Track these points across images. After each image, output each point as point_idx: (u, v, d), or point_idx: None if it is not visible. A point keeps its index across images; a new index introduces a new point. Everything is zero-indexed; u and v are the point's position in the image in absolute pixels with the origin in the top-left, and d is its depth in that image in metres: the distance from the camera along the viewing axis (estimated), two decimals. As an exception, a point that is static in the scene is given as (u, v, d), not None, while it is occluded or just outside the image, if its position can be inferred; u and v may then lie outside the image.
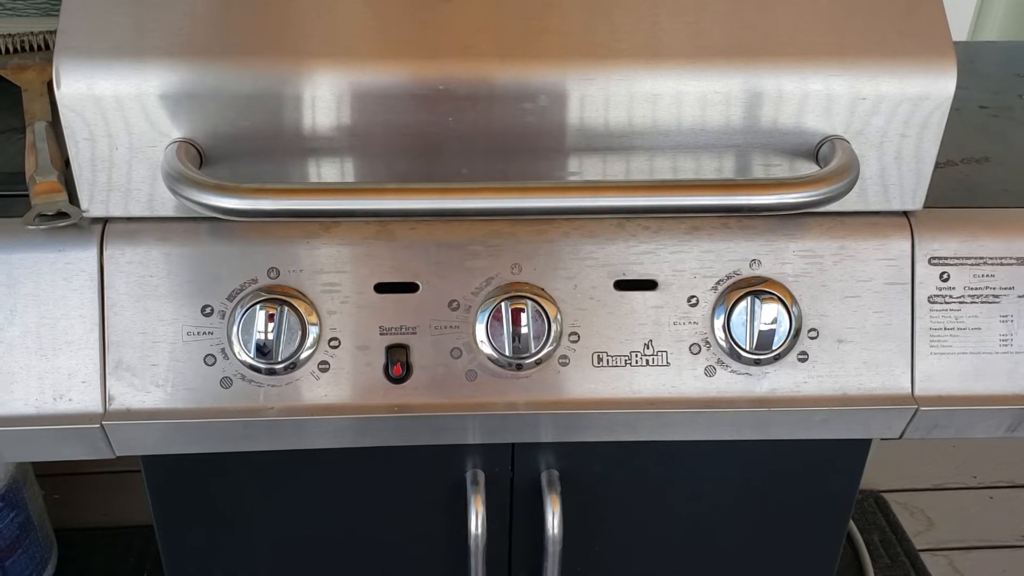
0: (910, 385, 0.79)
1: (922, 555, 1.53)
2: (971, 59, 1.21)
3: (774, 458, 0.91)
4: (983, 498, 1.68)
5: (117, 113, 0.70)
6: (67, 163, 0.75)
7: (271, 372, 0.75)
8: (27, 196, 0.76)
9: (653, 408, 0.77)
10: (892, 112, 0.74)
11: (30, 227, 0.73)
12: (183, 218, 0.75)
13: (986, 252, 0.79)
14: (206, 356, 0.75)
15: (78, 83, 0.69)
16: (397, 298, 0.76)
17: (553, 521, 0.87)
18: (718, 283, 0.78)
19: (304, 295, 0.75)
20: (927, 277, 0.79)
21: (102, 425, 0.74)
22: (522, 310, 0.75)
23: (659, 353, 0.78)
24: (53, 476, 1.56)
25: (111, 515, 1.56)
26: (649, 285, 0.77)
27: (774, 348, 0.77)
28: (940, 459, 1.76)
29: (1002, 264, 0.79)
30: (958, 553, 1.56)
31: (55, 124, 0.85)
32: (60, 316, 0.74)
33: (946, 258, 0.79)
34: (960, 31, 1.94)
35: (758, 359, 0.77)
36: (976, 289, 0.79)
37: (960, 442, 1.79)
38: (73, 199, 0.75)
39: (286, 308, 0.74)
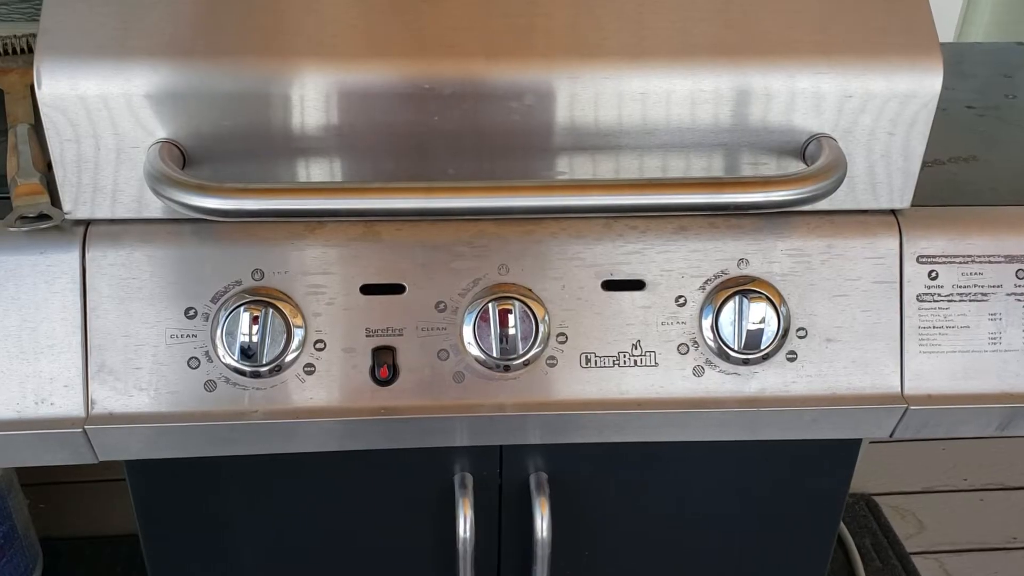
0: (899, 384, 0.79)
1: (913, 558, 1.53)
2: (958, 60, 1.22)
3: (763, 459, 0.90)
4: (974, 500, 1.68)
5: (99, 114, 0.70)
6: (49, 166, 0.74)
7: (256, 375, 0.74)
8: (8, 199, 0.75)
9: (641, 409, 0.77)
10: (879, 110, 0.73)
11: (11, 229, 0.72)
12: (166, 219, 0.75)
13: (974, 250, 0.79)
14: (190, 359, 0.74)
15: (59, 83, 0.69)
16: (383, 300, 0.75)
17: (542, 524, 0.87)
18: (706, 283, 0.77)
19: (289, 297, 0.74)
20: (915, 275, 0.78)
21: (84, 430, 0.73)
22: (509, 311, 0.74)
23: (647, 353, 0.77)
24: (38, 485, 1.54)
25: (97, 524, 1.55)
26: (637, 285, 0.77)
27: (762, 348, 0.77)
28: (931, 462, 1.76)
29: (990, 262, 0.79)
30: (949, 556, 1.56)
31: (37, 127, 0.85)
32: (42, 319, 0.73)
33: (934, 256, 0.79)
34: (946, 33, 1.95)
35: (747, 359, 0.77)
36: (965, 287, 0.79)
37: (951, 444, 1.79)
38: (55, 201, 0.74)
39: (271, 310, 0.73)
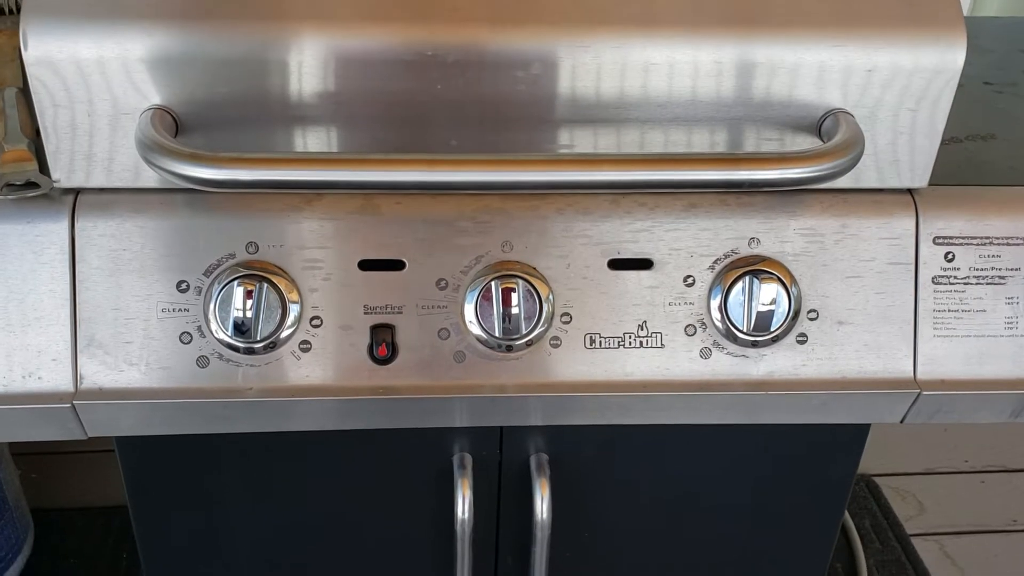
0: (912, 369, 0.77)
1: (913, 540, 1.52)
2: (974, 35, 1.18)
3: (770, 443, 0.89)
4: (974, 482, 1.68)
5: (88, 78, 0.67)
6: (38, 132, 0.72)
7: (250, 351, 0.72)
8: (-6, 165, 0.73)
9: (646, 391, 0.75)
10: (898, 85, 0.71)
11: (-3, 197, 0.70)
12: (158, 189, 0.72)
13: (992, 231, 0.77)
14: (182, 334, 0.72)
15: (47, 45, 0.66)
16: (382, 276, 0.73)
17: (542, 506, 0.85)
18: (715, 262, 0.75)
19: (284, 271, 0.72)
20: (931, 257, 0.76)
21: (73, 405, 0.71)
22: (513, 289, 0.72)
23: (653, 335, 0.75)
24: (30, 455, 1.53)
25: (90, 495, 1.54)
26: (644, 264, 0.75)
27: (772, 330, 0.75)
28: (932, 443, 1.75)
29: (1008, 244, 0.77)
30: (949, 538, 1.55)
31: (25, 91, 0.82)
32: (29, 291, 0.71)
33: (951, 237, 0.76)
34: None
35: (755, 341, 0.75)
36: (982, 270, 0.77)
37: (952, 426, 1.78)
38: (44, 169, 0.72)
39: (265, 285, 0.71)
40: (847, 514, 1.53)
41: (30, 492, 1.40)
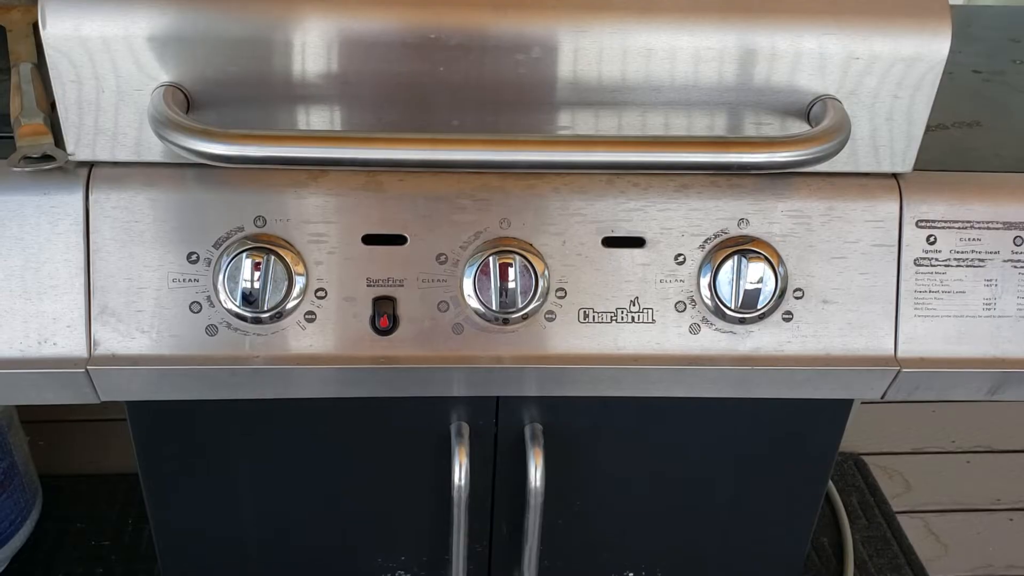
0: (893, 347, 0.79)
1: (899, 517, 1.55)
2: (966, 23, 1.20)
3: (756, 416, 0.91)
4: (960, 462, 1.71)
5: (103, 55, 0.69)
6: (53, 106, 0.74)
7: (257, 321, 0.75)
8: (12, 138, 0.75)
9: (637, 364, 0.78)
10: (885, 72, 0.73)
11: (15, 169, 0.72)
12: (170, 164, 0.74)
13: (974, 216, 0.79)
14: (191, 303, 0.75)
15: (64, 23, 0.68)
16: (385, 250, 0.76)
17: (536, 474, 0.88)
18: (706, 241, 0.78)
19: (291, 245, 0.75)
20: (914, 239, 0.79)
21: (87, 370, 0.74)
22: (510, 265, 0.75)
23: (645, 310, 0.78)
24: (39, 422, 1.56)
25: (97, 462, 1.57)
26: (637, 242, 0.77)
27: (759, 307, 0.77)
28: (919, 423, 1.78)
29: (989, 228, 0.79)
30: (934, 515, 1.58)
31: (41, 66, 0.84)
32: (45, 260, 0.74)
33: (934, 221, 0.79)
34: (956, -5, 1.93)
35: (743, 318, 0.78)
36: (962, 253, 0.79)
37: (939, 407, 1.81)
38: (59, 142, 0.74)
39: (272, 257, 0.73)
40: (835, 491, 1.56)
41: (38, 459, 1.43)
